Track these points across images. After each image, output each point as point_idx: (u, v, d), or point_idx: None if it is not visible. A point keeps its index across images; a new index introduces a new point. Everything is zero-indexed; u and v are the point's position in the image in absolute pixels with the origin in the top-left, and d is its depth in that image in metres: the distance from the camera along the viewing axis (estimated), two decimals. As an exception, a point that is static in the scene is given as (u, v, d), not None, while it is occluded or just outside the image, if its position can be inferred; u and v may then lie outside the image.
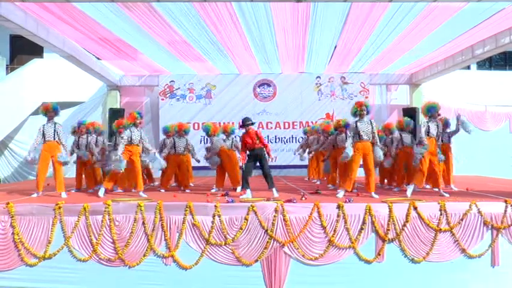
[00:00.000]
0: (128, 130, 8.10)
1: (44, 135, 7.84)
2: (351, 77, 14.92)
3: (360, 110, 7.70)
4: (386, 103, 15.76)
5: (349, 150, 7.49)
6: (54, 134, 7.87)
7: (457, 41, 10.96)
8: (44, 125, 7.94)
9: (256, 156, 7.71)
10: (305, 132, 12.45)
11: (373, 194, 7.56)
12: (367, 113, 7.79)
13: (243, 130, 7.86)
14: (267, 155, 7.83)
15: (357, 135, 7.63)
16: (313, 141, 11.42)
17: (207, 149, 9.56)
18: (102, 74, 13.35)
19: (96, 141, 9.08)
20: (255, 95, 15.01)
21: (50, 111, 7.93)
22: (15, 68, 15.77)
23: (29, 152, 8.01)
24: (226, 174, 9.34)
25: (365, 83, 14.92)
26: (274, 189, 7.69)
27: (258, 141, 7.69)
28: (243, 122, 7.87)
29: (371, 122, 7.77)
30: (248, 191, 7.56)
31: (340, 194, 7.54)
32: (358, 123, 7.67)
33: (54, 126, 7.93)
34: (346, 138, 8.05)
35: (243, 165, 7.77)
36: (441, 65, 12.96)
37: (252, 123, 7.93)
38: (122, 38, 10.68)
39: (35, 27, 9.34)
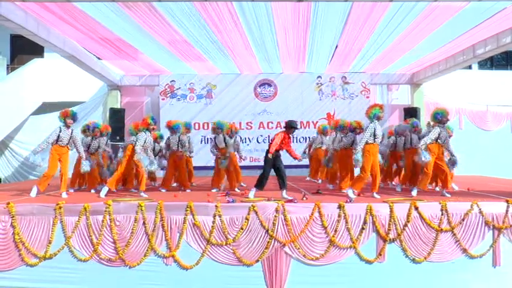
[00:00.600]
0: (144, 133, 8.04)
1: (58, 139, 7.84)
2: (351, 76, 14.90)
3: (381, 113, 7.66)
4: (388, 103, 15.71)
5: (359, 155, 7.50)
6: (69, 141, 7.92)
7: (458, 41, 10.94)
8: (60, 127, 7.93)
9: (276, 158, 7.61)
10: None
11: (374, 194, 7.54)
12: None
13: (286, 131, 7.71)
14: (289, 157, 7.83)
15: (373, 137, 7.57)
16: (331, 139, 11.04)
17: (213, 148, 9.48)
18: (103, 73, 13.35)
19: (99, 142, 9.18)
20: (256, 94, 15.00)
21: (69, 117, 7.94)
22: (16, 67, 15.76)
23: (34, 152, 8.04)
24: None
25: (366, 82, 14.90)
26: (284, 191, 7.51)
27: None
28: (293, 124, 7.71)
29: None
30: (253, 192, 7.52)
31: (351, 193, 7.39)
32: (377, 126, 7.63)
33: (71, 133, 7.97)
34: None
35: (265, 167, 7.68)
36: (442, 65, 12.94)
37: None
38: (122, 38, 10.68)
39: (36, 27, 9.34)
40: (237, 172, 9.42)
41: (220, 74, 14.83)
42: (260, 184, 7.60)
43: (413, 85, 15.06)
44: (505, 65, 17.96)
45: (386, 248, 6.42)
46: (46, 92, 14.34)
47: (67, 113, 7.97)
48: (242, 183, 9.89)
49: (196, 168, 11.26)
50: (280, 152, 7.70)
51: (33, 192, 7.72)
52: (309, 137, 13.59)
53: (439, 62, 13.02)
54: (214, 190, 8.86)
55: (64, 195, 7.78)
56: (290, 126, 7.70)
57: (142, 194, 7.93)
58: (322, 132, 11.52)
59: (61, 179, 7.97)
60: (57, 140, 7.84)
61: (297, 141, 14.78)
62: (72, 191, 8.79)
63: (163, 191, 8.89)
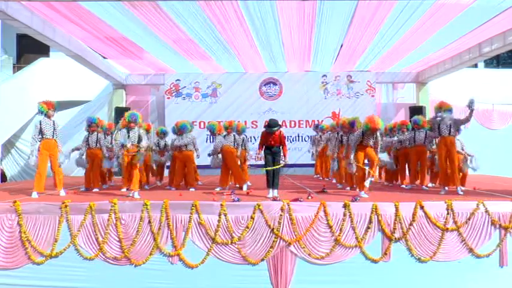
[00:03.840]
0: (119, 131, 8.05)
1: (41, 132, 7.57)
2: (357, 75, 14.86)
3: (369, 125, 7.67)
4: (393, 101, 15.71)
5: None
6: (53, 132, 7.69)
7: (464, 39, 10.88)
8: (40, 121, 7.63)
9: (274, 155, 7.52)
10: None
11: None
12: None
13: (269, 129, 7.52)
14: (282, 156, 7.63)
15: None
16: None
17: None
18: (108, 72, 13.40)
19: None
20: (261, 93, 14.99)
21: (52, 109, 7.69)
22: (22, 67, 15.86)
23: (30, 155, 7.70)
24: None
25: (371, 81, 14.86)
26: (275, 190, 7.46)
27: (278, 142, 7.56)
28: (274, 125, 7.49)
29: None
30: (271, 190, 7.46)
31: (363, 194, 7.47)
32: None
33: (53, 124, 7.72)
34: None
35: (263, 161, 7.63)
36: (448, 63, 12.88)
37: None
38: (127, 37, 10.70)
39: (42, 27, 9.39)
40: (244, 170, 9.44)
41: (225, 73, 14.83)
42: (268, 183, 7.59)
43: (419, 84, 15.01)
44: (511, 64, 17.84)
45: (392, 247, 6.40)
46: (52, 91, 14.29)
47: (51, 105, 7.67)
48: (248, 182, 9.89)
49: (201, 167, 11.29)
50: (276, 148, 7.55)
51: (34, 195, 7.46)
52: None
53: (444, 60, 12.97)
54: (218, 189, 8.85)
55: (62, 193, 7.73)
56: (270, 125, 7.49)
57: (135, 194, 7.56)
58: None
59: (54, 176, 7.78)
60: (42, 135, 7.55)
61: (302, 140, 14.78)
62: (82, 189, 8.86)
63: (173, 189, 8.91)
